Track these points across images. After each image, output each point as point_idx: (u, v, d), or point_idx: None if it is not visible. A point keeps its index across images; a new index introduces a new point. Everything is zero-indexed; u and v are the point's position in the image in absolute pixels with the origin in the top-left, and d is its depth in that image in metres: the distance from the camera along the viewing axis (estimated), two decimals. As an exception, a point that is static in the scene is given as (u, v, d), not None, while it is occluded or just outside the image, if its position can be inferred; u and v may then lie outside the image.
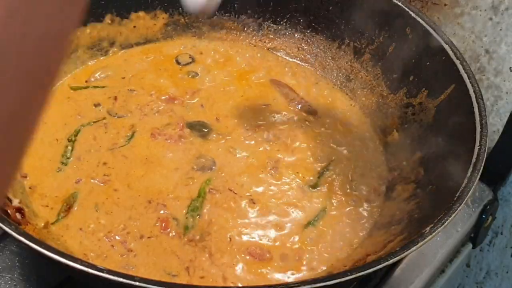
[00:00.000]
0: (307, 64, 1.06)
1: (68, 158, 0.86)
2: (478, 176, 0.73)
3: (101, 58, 1.02)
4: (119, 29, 1.02)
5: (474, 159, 0.74)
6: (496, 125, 1.06)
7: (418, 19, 0.92)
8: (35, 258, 0.80)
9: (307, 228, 0.81)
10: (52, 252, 0.59)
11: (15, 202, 0.74)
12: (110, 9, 1.01)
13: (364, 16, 1.00)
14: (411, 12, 0.93)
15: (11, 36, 0.29)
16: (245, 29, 1.09)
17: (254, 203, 0.83)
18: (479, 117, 0.79)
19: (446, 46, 0.88)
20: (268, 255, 0.77)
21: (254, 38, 1.09)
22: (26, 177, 0.82)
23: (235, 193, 0.84)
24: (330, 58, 1.05)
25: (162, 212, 0.80)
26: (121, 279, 0.57)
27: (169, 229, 0.79)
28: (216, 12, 1.08)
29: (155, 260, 0.75)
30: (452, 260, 0.98)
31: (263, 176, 0.87)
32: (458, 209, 0.69)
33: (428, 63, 0.91)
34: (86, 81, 0.98)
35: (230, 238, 0.79)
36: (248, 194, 0.84)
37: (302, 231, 0.81)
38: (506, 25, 1.00)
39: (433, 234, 0.66)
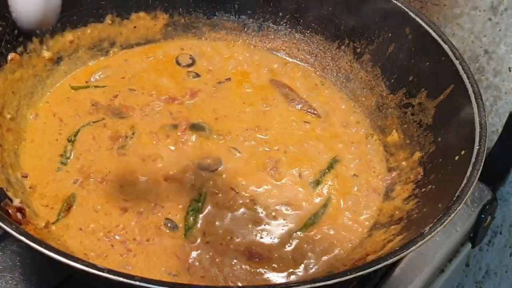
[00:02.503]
0: (307, 64, 1.07)
1: (68, 158, 0.86)
2: (477, 176, 0.73)
3: (102, 58, 1.02)
4: (120, 30, 1.03)
5: (473, 159, 0.74)
6: (495, 125, 1.06)
7: (418, 19, 0.92)
8: (36, 258, 0.80)
9: (307, 228, 0.82)
10: (53, 252, 0.59)
11: (16, 202, 0.74)
12: (111, 10, 1.01)
13: (364, 16, 1.00)
14: (411, 12, 0.93)
15: None
16: (245, 29, 1.09)
17: (254, 203, 0.83)
18: (478, 117, 0.79)
19: (445, 46, 0.88)
20: (268, 254, 0.78)
21: (254, 38, 1.09)
22: (26, 177, 0.82)
23: (236, 192, 0.84)
24: (330, 58, 1.05)
25: (162, 212, 0.81)
26: (121, 279, 0.57)
27: (169, 229, 0.79)
28: (216, 13, 1.08)
29: (155, 260, 0.75)
30: (451, 260, 0.99)
31: (263, 176, 0.87)
32: (458, 209, 0.69)
33: (427, 63, 0.91)
34: (86, 82, 0.98)
35: (230, 237, 0.79)
36: (248, 194, 0.84)
37: (302, 230, 0.81)
38: (505, 25, 1.00)
39: (433, 234, 0.66)
